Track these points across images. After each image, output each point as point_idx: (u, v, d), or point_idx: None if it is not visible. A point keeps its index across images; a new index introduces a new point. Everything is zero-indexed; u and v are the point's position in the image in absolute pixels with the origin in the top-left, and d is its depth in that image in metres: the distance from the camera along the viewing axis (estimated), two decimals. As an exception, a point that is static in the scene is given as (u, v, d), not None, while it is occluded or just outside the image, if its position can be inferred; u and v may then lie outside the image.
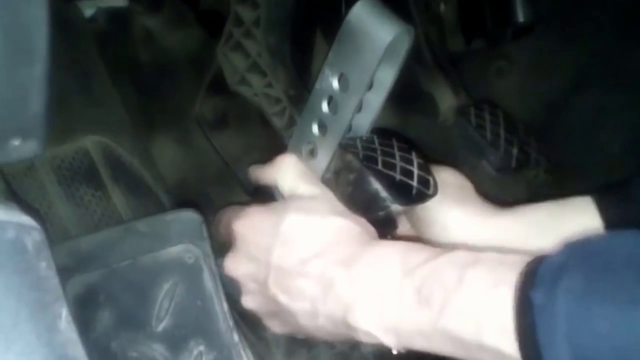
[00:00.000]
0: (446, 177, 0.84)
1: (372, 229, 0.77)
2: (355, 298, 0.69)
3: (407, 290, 0.65)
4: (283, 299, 0.75)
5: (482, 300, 0.60)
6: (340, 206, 0.78)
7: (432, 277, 0.64)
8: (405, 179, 0.78)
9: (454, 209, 0.83)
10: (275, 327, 0.83)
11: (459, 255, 0.65)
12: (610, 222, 0.78)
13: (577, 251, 0.58)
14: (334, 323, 0.71)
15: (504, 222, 0.82)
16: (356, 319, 0.69)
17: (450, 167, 0.87)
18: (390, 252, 0.70)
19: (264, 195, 0.86)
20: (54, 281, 0.54)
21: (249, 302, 0.82)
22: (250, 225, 0.79)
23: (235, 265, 0.80)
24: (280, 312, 0.77)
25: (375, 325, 0.67)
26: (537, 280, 0.57)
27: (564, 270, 0.56)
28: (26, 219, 0.55)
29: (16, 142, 0.53)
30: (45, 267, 0.54)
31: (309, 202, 0.77)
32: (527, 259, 0.61)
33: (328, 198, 0.79)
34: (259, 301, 0.80)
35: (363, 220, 0.77)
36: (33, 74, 0.51)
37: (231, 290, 0.87)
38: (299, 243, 0.74)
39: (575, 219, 0.80)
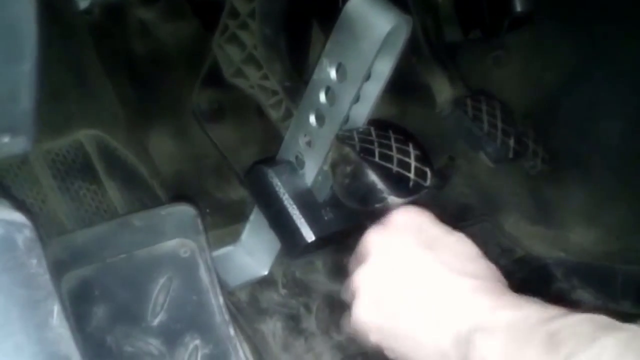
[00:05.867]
0: None
1: (503, 278, 0.75)
2: (489, 325, 0.67)
3: (539, 332, 0.64)
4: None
5: None
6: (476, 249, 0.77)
7: (568, 328, 0.63)
8: (402, 171, 0.77)
9: None
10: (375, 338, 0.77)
11: (599, 317, 0.64)
12: None
13: None
14: (456, 341, 0.68)
15: None
16: (482, 341, 0.66)
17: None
18: (527, 301, 0.69)
19: (259, 187, 0.86)
20: (45, 278, 0.53)
21: (359, 307, 0.75)
22: (417, 216, 0.75)
23: (379, 238, 0.74)
24: (393, 329, 0.73)
25: (497, 352, 0.65)
26: None
27: None
28: (17, 216, 0.55)
29: (5, 139, 0.52)
30: (36, 264, 0.53)
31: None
32: None
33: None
34: (372, 308, 0.74)
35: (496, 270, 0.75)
36: (22, 70, 0.51)
37: (226, 284, 0.87)
38: (462, 258, 0.73)
39: None
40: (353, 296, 0.75)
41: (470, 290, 0.70)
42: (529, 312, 0.67)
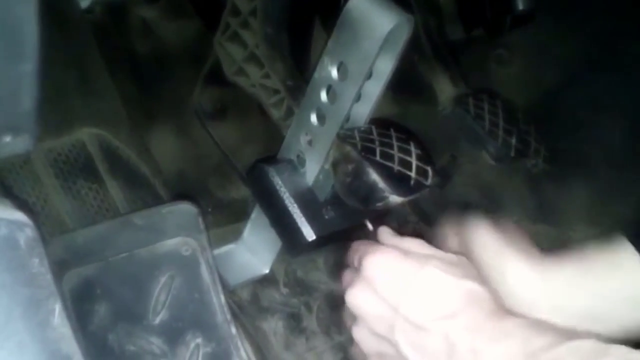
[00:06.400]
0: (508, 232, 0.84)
1: (499, 297, 0.77)
2: None
3: None
4: (406, 349, 0.74)
5: None
6: (474, 271, 0.79)
7: None
8: (403, 170, 0.77)
9: (516, 262, 0.82)
10: None
11: (585, 346, 0.65)
12: None
13: None
14: None
15: (550, 278, 0.81)
16: None
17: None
18: (515, 329, 0.70)
19: (260, 185, 0.86)
20: (47, 277, 0.54)
21: (359, 333, 0.81)
22: (383, 263, 0.78)
23: (360, 298, 0.79)
24: (393, 356, 0.77)
25: None
26: None
27: None
28: (19, 215, 0.55)
29: (7, 139, 0.53)
30: (38, 264, 0.54)
31: (447, 263, 0.77)
32: None
33: (464, 263, 0.79)
34: (372, 338, 0.79)
35: (492, 289, 0.77)
36: (23, 70, 0.51)
37: (227, 282, 0.87)
38: (433, 299, 0.74)
39: (622, 268, 0.79)
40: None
41: (450, 336, 0.71)
42: (512, 349, 0.67)
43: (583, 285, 0.80)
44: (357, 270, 0.80)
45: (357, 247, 0.84)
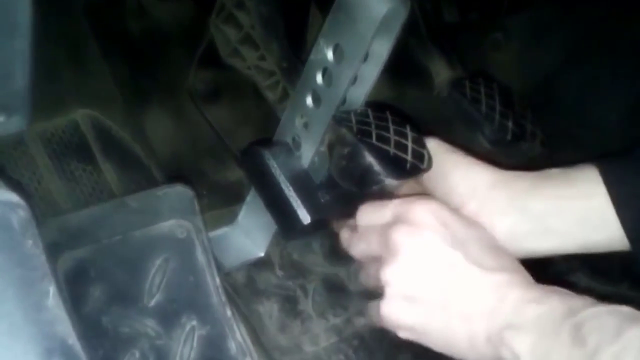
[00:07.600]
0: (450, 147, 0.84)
1: (522, 267, 0.78)
2: (518, 321, 0.70)
3: (565, 325, 0.66)
4: (452, 291, 0.73)
5: None
6: None
7: (594, 320, 0.65)
8: (399, 153, 0.77)
9: (466, 169, 0.82)
10: (406, 333, 0.78)
11: (623, 308, 0.66)
12: (614, 191, 0.77)
13: None
14: (488, 338, 0.71)
15: (512, 180, 0.81)
16: (512, 337, 0.69)
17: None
18: (556, 290, 0.71)
19: (255, 168, 0.85)
20: (40, 258, 0.53)
21: (392, 311, 0.76)
22: (438, 210, 0.76)
23: (408, 238, 0.75)
24: (423, 304, 0.75)
25: (527, 348, 0.68)
26: None
27: None
28: (12, 196, 0.54)
29: (0, 119, 0.52)
30: (32, 245, 0.53)
31: None
32: None
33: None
34: (407, 315, 0.76)
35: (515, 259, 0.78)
36: (15, 48, 0.50)
37: (222, 265, 0.86)
38: (492, 251, 0.75)
39: (580, 185, 0.79)
40: (381, 292, 0.77)
41: (500, 286, 0.72)
42: (555, 304, 0.69)
43: (539, 193, 0.80)
44: (395, 219, 0.77)
45: (382, 205, 0.80)
